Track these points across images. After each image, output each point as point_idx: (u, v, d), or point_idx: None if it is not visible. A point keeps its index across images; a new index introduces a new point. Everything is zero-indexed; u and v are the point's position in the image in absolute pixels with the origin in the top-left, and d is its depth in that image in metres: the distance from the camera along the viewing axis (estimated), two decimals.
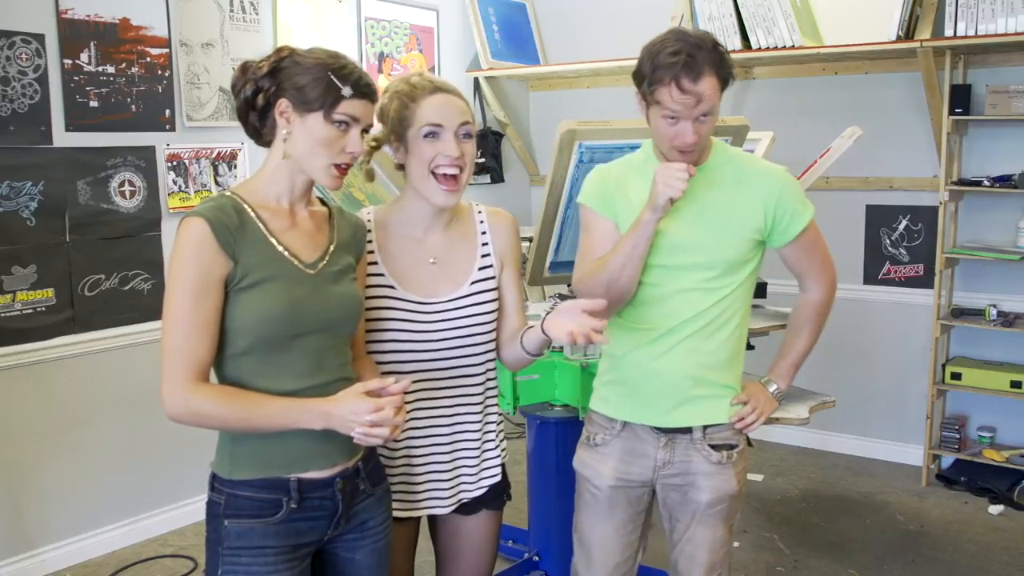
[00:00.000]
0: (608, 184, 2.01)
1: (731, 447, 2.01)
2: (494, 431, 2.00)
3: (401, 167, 1.86)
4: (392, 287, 1.84)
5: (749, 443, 2.11)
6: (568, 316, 1.72)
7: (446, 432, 1.91)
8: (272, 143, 1.65)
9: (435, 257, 1.88)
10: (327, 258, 1.68)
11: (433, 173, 1.78)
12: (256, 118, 1.63)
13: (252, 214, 1.60)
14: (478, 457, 1.96)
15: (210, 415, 1.54)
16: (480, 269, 1.91)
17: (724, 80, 1.85)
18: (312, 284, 1.63)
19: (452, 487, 1.93)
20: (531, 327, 1.87)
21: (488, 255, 1.93)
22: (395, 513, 1.87)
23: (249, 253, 1.57)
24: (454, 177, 1.79)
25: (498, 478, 1.99)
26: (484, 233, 1.94)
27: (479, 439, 1.96)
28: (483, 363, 1.93)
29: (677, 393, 1.97)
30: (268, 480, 1.60)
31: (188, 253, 1.53)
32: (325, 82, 1.58)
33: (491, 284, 1.92)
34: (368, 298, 1.83)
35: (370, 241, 1.86)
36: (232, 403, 1.55)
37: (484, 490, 1.97)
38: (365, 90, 1.61)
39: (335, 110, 1.58)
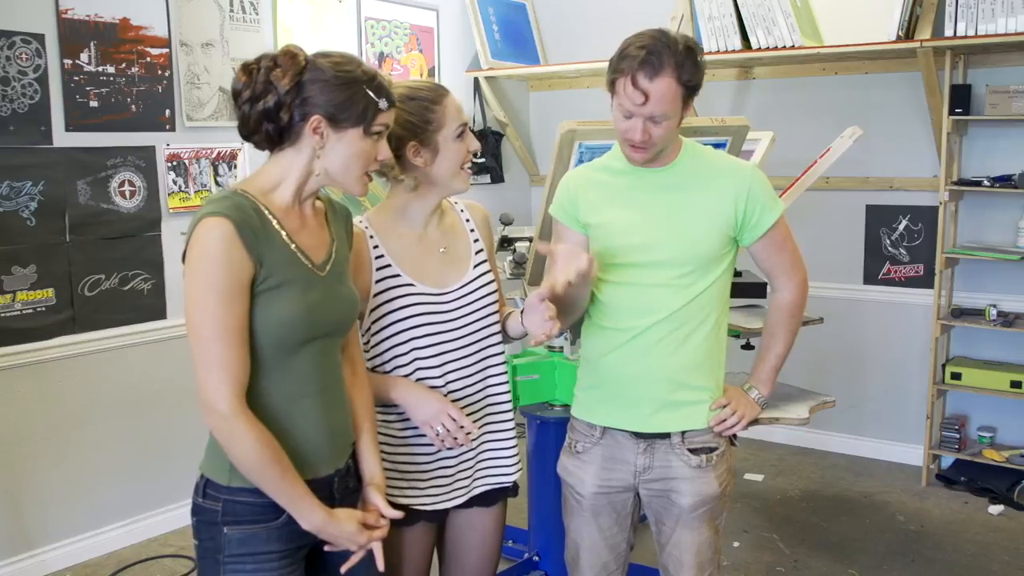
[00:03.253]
0: (569, 193, 2.04)
1: (711, 450, 2.00)
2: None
3: (398, 170, 1.88)
4: (411, 284, 1.89)
5: (733, 442, 2.10)
6: (532, 310, 1.87)
7: (476, 419, 1.96)
8: (284, 150, 1.61)
9: (444, 246, 1.96)
10: (333, 257, 1.68)
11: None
12: (274, 129, 1.58)
13: (268, 214, 1.57)
14: (511, 441, 2.04)
15: (238, 454, 1.51)
16: (476, 253, 2.00)
17: (688, 87, 1.82)
18: (324, 287, 1.62)
19: (481, 475, 2.00)
20: (511, 313, 2.01)
21: (478, 240, 2.02)
22: (428, 507, 1.91)
23: (271, 254, 1.54)
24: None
25: (521, 466, 2.06)
26: (468, 221, 2.04)
27: (512, 423, 2.04)
28: (501, 344, 2.02)
29: (656, 398, 1.96)
30: None
31: (216, 255, 1.48)
32: (364, 98, 1.58)
33: (487, 267, 2.01)
34: (386, 301, 1.87)
35: (376, 246, 1.89)
36: (263, 459, 1.51)
37: (519, 473, 2.04)
38: (394, 99, 1.64)
39: (374, 123, 1.60)
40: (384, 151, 1.65)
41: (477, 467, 1.99)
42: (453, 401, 1.91)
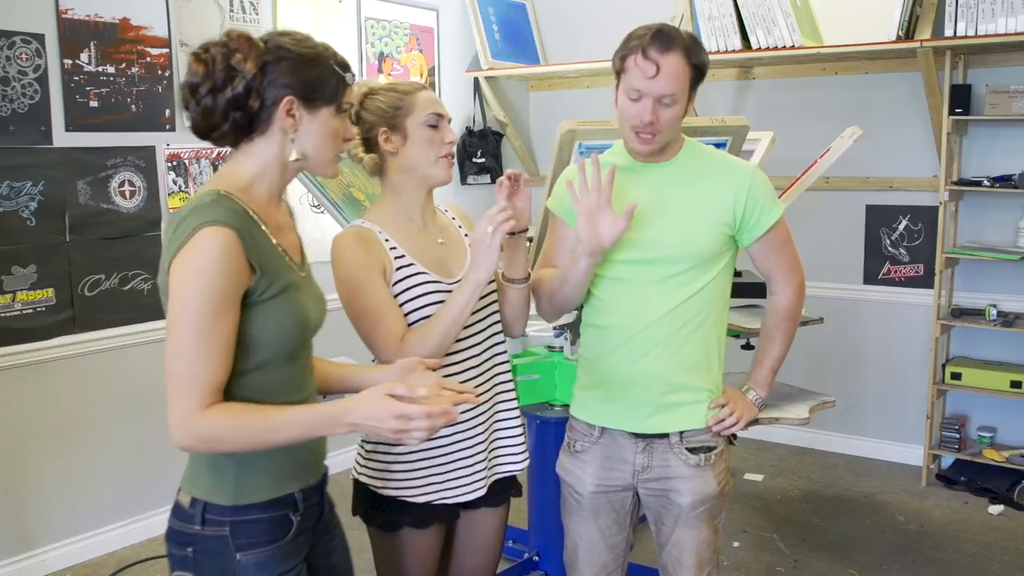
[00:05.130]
0: (570, 189, 2.02)
1: (709, 449, 2.00)
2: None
3: (361, 150, 1.93)
4: (425, 272, 1.90)
5: (732, 442, 2.10)
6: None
7: (487, 409, 1.98)
8: (253, 141, 1.49)
9: (441, 238, 1.99)
10: (303, 255, 1.61)
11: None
12: (243, 117, 1.45)
13: (255, 216, 1.47)
14: (519, 428, 2.06)
15: (227, 439, 1.38)
16: (470, 246, 2.02)
17: (695, 68, 1.85)
18: (306, 287, 1.55)
19: (495, 463, 2.02)
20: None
21: (468, 235, 2.06)
22: (451, 499, 1.92)
23: (267, 262, 1.44)
24: (452, 155, 1.97)
25: (528, 454, 2.09)
26: (454, 219, 2.10)
27: (518, 409, 2.07)
28: (502, 331, 2.06)
29: (654, 399, 1.96)
30: (277, 498, 1.50)
31: (215, 267, 1.36)
32: (333, 74, 1.50)
33: None
34: (408, 291, 1.88)
35: (387, 240, 1.90)
36: (251, 420, 1.39)
37: (527, 460, 2.07)
38: (354, 74, 1.58)
39: (344, 100, 1.53)
40: (350, 129, 1.60)
41: (491, 455, 2.01)
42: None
